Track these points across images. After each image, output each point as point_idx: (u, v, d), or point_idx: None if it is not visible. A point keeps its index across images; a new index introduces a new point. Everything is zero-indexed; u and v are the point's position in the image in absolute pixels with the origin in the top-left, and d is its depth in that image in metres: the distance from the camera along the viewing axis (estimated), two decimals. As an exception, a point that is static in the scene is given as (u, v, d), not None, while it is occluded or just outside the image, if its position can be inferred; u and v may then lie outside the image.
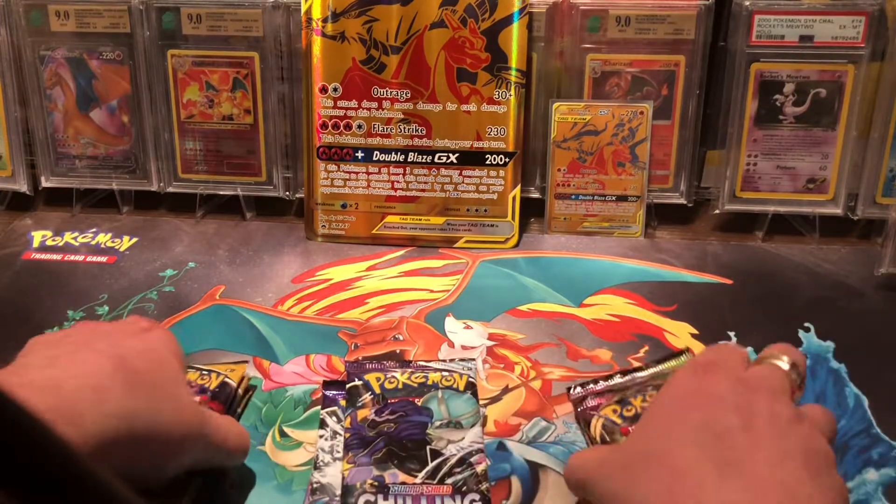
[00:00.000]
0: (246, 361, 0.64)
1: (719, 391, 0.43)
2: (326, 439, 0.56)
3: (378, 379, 0.58)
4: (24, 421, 0.23)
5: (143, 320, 0.53)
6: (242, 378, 0.60)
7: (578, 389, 0.57)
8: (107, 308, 0.72)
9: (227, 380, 0.59)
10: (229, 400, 0.58)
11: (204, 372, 0.59)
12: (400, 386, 0.58)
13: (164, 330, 0.52)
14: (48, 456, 0.23)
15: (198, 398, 0.56)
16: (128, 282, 0.76)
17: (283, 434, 0.58)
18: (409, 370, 0.60)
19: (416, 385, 0.58)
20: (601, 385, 0.57)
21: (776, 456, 0.40)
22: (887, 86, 0.77)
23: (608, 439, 0.54)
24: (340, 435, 0.56)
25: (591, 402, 0.56)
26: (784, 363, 0.46)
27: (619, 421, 0.54)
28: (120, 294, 0.74)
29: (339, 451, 0.54)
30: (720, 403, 0.43)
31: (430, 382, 0.58)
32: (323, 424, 0.57)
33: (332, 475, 0.53)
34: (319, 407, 0.59)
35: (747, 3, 0.76)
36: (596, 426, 0.55)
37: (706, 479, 0.39)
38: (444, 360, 0.63)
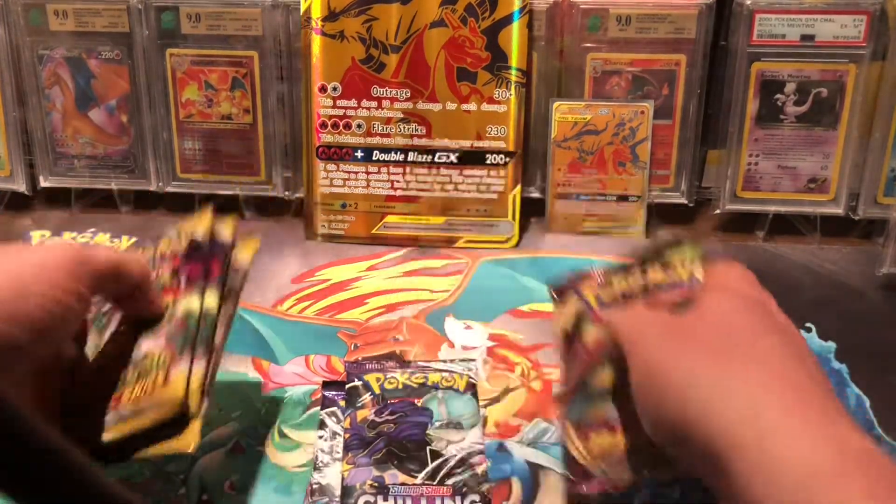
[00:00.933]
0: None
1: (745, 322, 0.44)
2: (326, 440, 0.55)
3: (378, 379, 0.58)
4: (17, 419, 0.22)
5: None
6: (235, 232, 0.55)
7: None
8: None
9: (215, 231, 0.54)
10: (224, 253, 0.53)
11: (173, 238, 0.55)
12: (400, 386, 0.58)
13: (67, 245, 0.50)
14: (40, 453, 0.23)
15: (170, 266, 0.54)
16: (127, 282, 0.76)
17: (282, 435, 0.58)
18: (409, 371, 0.59)
19: (416, 385, 0.58)
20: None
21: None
22: (888, 85, 0.76)
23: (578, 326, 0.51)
24: (340, 436, 0.56)
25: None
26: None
27: (594, 304, 0.52)
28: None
29: (338, 452, 0.54)
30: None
31: (430, 383, 0.58)
32: (322, 425, 0.57)
33: (332, 476, 0.53)
34: (319, 408, 0.59)
35: (748, 3, 0.76)
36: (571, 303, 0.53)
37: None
38: (444, 361, 0.63)
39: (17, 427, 0.23)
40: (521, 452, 0.56)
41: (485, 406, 0.59)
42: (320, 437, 0.56)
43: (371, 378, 0.58)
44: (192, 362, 0.48)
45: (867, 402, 0.60)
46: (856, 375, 0.63)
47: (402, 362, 0.63)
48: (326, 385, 0.61)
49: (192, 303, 0.51)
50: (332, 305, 0.72)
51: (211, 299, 0.51)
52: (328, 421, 0.57)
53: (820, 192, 0.81)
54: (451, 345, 0.67)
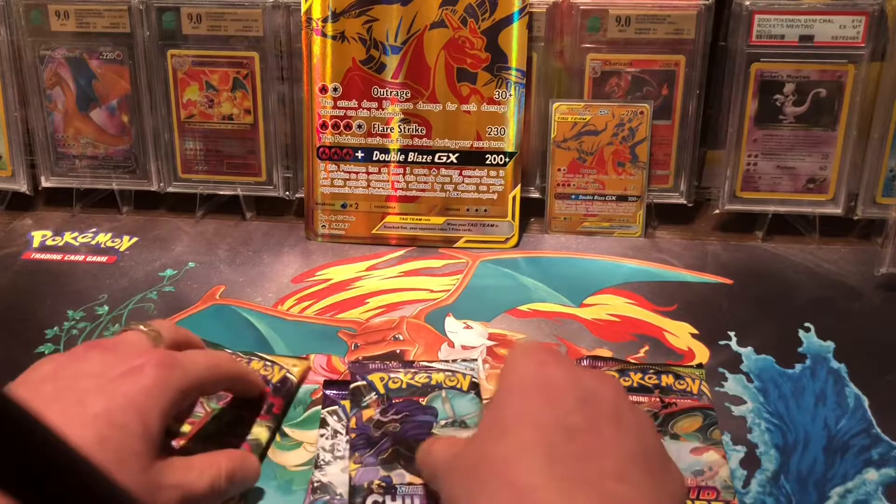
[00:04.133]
0: (308, 358, 0.65)
1: (561, 384, 0.41)
2: (327, 438, 0.56)
3: (382, 379, 0.58)
4: (19, 418, 0.23)
5: (141, 348, 0.49)
6: (304, 375, 0.63)
7: (586, 361, 0.63)
8: (106, 308, 0.72)
9: (288, 374, 0.61)
10: (290, 395, 0.60)
11: (268, 363, 0.62)
12: (404, 386, 0.58)
13: (160, 363, 0.47)
14: (42, 453, 0.23)
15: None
16: (128, 282, 0.76)
17: (283, 434, 0.58)
18: (413, 370, 0.60)
19: (419, 385, 0.58)
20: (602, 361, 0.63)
21: (622, 463, 0.38)
22: (887, 86, 0.77)
23: None
24: (341, 434, 0.56)
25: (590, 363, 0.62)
26: None
27: None
28: (120, 294, 0.74)
29: (339, 451, 0.54)
30: (564, 398, 0.41)
31: (433, 382, 0.58)
32: (323, 424, 0.57)
33: (333, 474, 0.53)
34: (320, 407, 0.59)
35: (747, 3, 0.76)
36: None
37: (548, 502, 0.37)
38: (447, 361, 0.63)
39: (20, 426, 0.23)
40: (520, 451, 0.56)
41: (485, 405, 0.60)
42: (321, 436, 0.56)
43: (375, 378, 0.58)
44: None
45: (866, 402, 0.60)
46: (854, 375, 0.63)
47: (405, 362, 0.63)
48: (328, 384, 0.61)
49: (263, 433, 0.56)
50: (332, 305, 0.72)
51: (265, 432, 0.57)
52: (329, 420, 0.57)
53: (819, 193, 0.81)
54: (451, 344, 0.67)
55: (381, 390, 0.57)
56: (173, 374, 0.47)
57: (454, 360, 0.63)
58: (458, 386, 0.57)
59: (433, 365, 0.61)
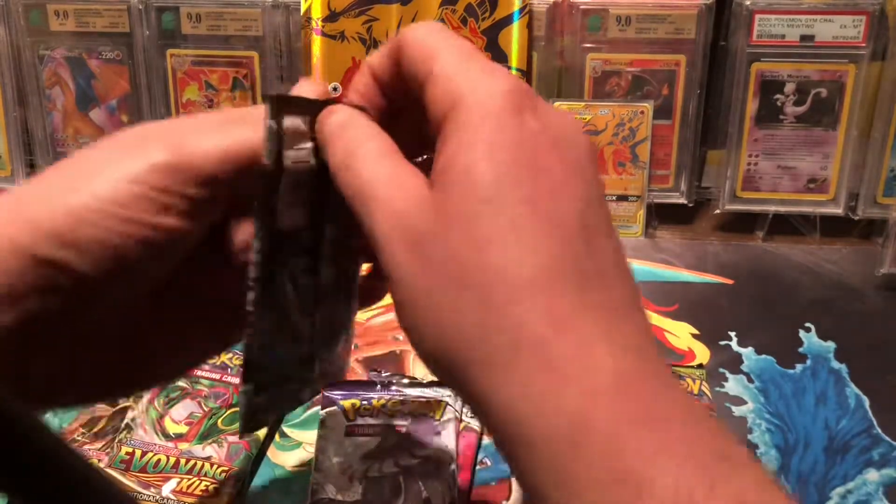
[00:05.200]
0: None
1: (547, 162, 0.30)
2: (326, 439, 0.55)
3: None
4: (17, 418, 0.23)
5: None
6: None
7: None
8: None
9: None
10: None
11: None
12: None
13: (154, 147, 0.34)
14: (39, 453, 0.23)
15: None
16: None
17: (282, 434, 0.58)
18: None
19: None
20: None
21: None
22: (888, 85, 0.77)
23: None
24: (340, 434, 0.56)
25: None
26: None
27: None
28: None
29: (339, 452, 0.54)
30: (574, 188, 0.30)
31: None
32: (322, 425, 0.57)
33: (333, 475, 0.53)
34: (319, 407, 0.59)
35: (748, 3, 0.76)
36: None
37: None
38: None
39: (16, 427, 0.23)
40: (520, 452, 0.56)
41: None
42: (320, 437, 0.56)
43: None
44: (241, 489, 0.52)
45: (866, 402, 0.60)
46: (855, 375, 0.63)
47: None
48: (327, 385, 0.60)
49: (261, 430, 0.56)
50: (332, 305, 0.72)
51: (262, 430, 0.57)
52: (328, 420, 0.57)
53: (819, 192, 0.81)
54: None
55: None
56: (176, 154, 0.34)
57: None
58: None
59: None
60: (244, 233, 0.36)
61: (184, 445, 0.54)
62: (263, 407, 0.36)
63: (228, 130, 0.34)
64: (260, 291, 0.33)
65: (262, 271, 0.33)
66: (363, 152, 0.32)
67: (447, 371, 0.29)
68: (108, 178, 0.32)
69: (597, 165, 0.32)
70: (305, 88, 0.36)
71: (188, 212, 0.33)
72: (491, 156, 0.29)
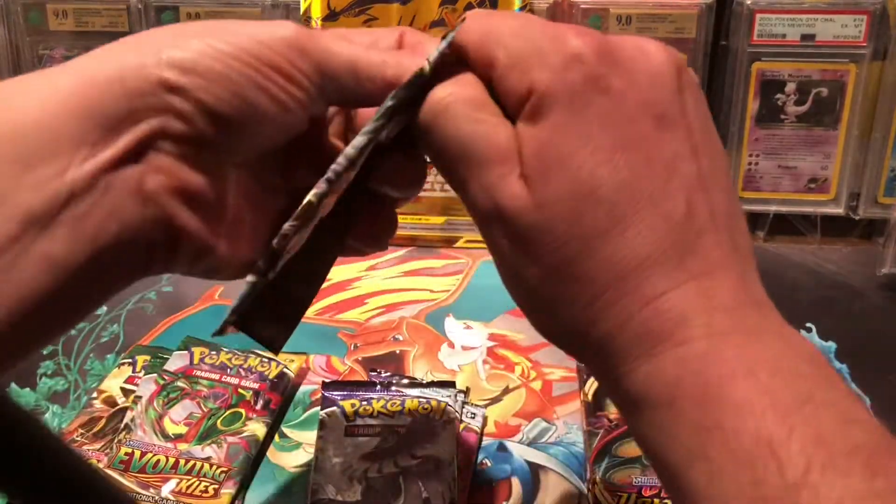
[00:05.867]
0: (306, 353, 0.64)
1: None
2: (326, 440, 0.55)
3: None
4: (16, 417, 0.22)
5: None
6: (302, 370, 0.63)
7: None
8: (105, 308, 0.72)
9: (286, 370, 0.61)
10: (287, 391, 0.60)
11: (265, 359, 0.61)
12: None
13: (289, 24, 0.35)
14: (38, 451, 0.23)
15: (256, 385, 0.59)
16: (126, 282, 0.76)
17: (282, 435, 0.58)
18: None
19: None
20: None
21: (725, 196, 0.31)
22: (889, 85, 0.76)
23: None
24: (340, 435, 0.55)
25: None
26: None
27: None
28: (119, 294, 0.74)
29: (339, 453, 0.54)
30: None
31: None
32: (322, 425, 0.57)
33: (332, 476, 0.52)
34: (319, 408, 0.59)
35: (748, 2, 0.76)
36: (592, 384, 0.59)
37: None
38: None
39: (17, 427, 0.23)
40: (521, 452, 0.56)
41: (485, 406, 0.59)
42: (320, 437, 0.56)
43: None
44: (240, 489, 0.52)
45: (867, 402, 0.60)
46: (856, 375, 0.63)
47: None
48: (326, 385, 0.60)
49: (260, 429, 0.56)
50: (331, 305, 0.72)
51: (261, 429, 0.56)
52: (328, 421, 0.57)
53: (820, 192, 0.81)
54: (451, 345, 0.67)
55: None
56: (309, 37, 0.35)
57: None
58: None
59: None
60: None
61: (183, 446, 0.54)
62: (249, 312, 0.36)
63: (367, 52, 0.34)
64: (326, 189, 0.34)
65: (345, 168, 0.34)
66: (462, 111, 0.32)
67: (574, 353, 0.32)
68: (242, 33, 0.32)
69: (692, 82, 0.32)
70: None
71: (303, 93, 0.33)
72: (587, 142, 0.29)
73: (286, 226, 0.34)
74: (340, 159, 0.34)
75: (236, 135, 0.33)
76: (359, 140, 0.34)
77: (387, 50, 0.36)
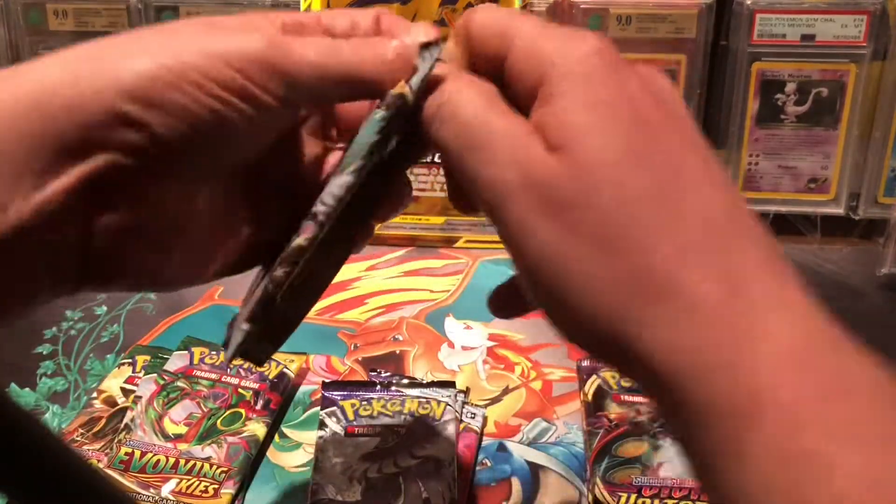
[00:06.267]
0: (306, 353, 0.64)
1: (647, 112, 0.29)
2: (326, 440, 0.55)
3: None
4: (16, 417, 0.22)
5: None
6: (302, 370, 0.63)
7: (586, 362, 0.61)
8: (105, 308, 0.72)
9: (286, 370, 0.61)
10: (287, 391, 0.60)
11: None
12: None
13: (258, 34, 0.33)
14: (38, 452, 0.23)
15: (256, 385, 0.59)
16: (126, 282, 0.76)
17: (282, 435, 0.58)
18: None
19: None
20: None
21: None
22: (889, 85, 0.76)
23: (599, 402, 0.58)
24: (340, 435, 0.55)
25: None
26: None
27: (614, 387, 0.58)
28: (118, 294, 0.74)
29: (338, 454, 0.54)
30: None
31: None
32: (322, 425, 0.57)
33: (333, 475, 0.53)
34: (319, 408, 0.59)
35: (749, 3, 0.76)
36: (592, 384, 0.59)
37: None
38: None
39: (17, 427, 0.23)
40: (521, 452, 0.56)
41: (485, 406, 0.59)
42: (320, 438, 0.56)
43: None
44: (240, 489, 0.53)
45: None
46: (856, 375, 0.62)
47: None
48: (326, 385, 0.60)
49: (260, 429, 0.56)
50: (331, 305, 0.72)
51: (261, 429, 0.56)
52: (328, 421, 0.57)
53: (820, 192, 0.81)
54: (451, 345, 0.67)
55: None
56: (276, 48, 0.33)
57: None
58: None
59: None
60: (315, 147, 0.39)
61: (183, 446, 0.54)
62: (250, 347, 0.37)
63: (337, 51, 0.33)
64: (317, 232, 0.33)
65: (335, 208, 0.33)
66: (470, 99, 0.31)
67: (600, 341, 0.28)
68: (203, 48, 0.31)
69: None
70: (421, 31, 0.35)
71: (265, 112, 0.32)
72: (613, 115, 0.28)
73: (278, 272, 0.33)
74: (328, 199, 0.33)
75: (191, 164, 0.32)
76: (344, 179, 0.33)
77: (364, 40, 0.34)
